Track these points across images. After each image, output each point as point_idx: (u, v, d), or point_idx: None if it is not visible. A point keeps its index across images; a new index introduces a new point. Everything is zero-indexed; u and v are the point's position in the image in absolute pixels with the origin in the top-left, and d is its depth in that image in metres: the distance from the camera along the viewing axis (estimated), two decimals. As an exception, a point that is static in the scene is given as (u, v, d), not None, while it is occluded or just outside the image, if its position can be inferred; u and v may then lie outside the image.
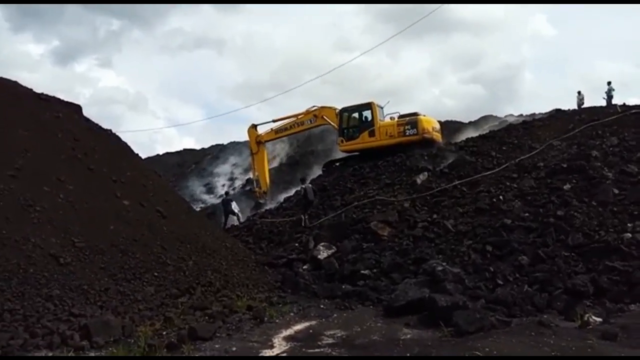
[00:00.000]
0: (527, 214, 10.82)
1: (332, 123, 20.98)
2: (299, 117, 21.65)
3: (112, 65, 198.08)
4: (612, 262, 8.42)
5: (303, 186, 16.04)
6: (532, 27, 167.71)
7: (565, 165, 12.50)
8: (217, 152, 43.43)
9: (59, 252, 7.67)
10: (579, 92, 24.83)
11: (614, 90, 23.46)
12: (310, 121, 21.37)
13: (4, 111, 9.76)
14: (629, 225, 9.58)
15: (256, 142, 22.40)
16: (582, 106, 23.72)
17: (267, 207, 21.40)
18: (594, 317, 6.83)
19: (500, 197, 12.00)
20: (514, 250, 9.51)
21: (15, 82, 11.19)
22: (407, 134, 18.77)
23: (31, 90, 11.30)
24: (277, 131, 22.28)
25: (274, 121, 22.26)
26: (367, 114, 20.07)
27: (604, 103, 22.72)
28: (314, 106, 21.45)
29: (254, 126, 22.56)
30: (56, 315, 6.67)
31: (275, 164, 33.32)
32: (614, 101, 22.81)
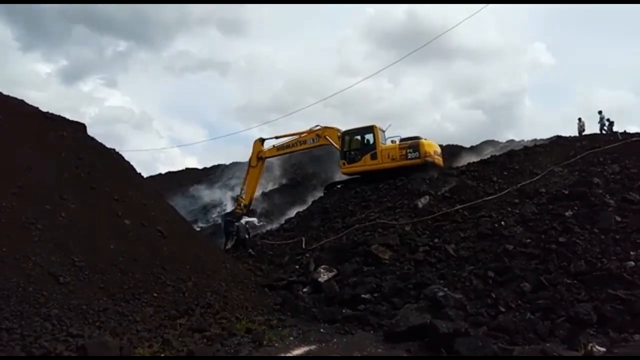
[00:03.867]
0: (529, 240, 10.78)
1: (334, 143, 21.08)
2: (302, 135, 21.79)
3: (118, 85, 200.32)
4: (615, 291, 8.33)
5: (236, 224, 16.98)
6: (531, 56, 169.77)
7: (566, 192, 12.51)
8: (218, 172, 43.57)
9: (59, 271, 7.63)
10: (580, 119, 25.10)
11: (605, 118, 23.93)
12: (313, 140, 21.49)
13: (9, 129, 9.83)
14: (631, 253, 9.52)
15: (257, 157, 22.43)
16: (583, 133, 23.94)
17: (268, 228, 21.39)
18: (597, 347, 6.73)
19: (502, 222, 11.97)
20: (516, 277, 9.43)
21: (21, 101, 11.27)
22: (409, 157, 18.88)
23: (36, 108, 11.38)
24: (279, 148, 22.42)
25: (276, 138, 22.47)
26: (369, 137, 20.22)
27: (598, 130, 23.08)
28: (317, 125, 21.61)
29: (262, 140, 22.64)
30: (54, 335, 6.61)
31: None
32: (607, 128, 23.20)
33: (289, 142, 22.14)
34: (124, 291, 8.21)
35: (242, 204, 22.15)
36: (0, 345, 6.07)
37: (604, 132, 23.51)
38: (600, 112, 24.30)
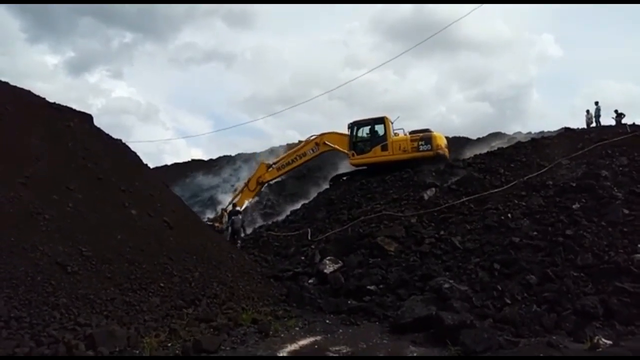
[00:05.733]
0: (535, 233, 10.72)
1: (335, 147, 20.84)
2: (300, 149, 21.49)
3: (124, 77, 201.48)
4: (622, 284, 8.28)
5: (233, 217, 17.28)
6: (539, 48, 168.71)
7: (574, 184, 12.41)
8: (223, 164, 43.70)
9: (66, 261, 7.69)
10: (588, 111, 24.87)
11: (600, 109, 23.85)
12: (313, 150, 21.03)
13: (17, 120, 9.88)
14: (639, 246, 9.45)
15: (257, 181, 21.52)
16: (591, 125, 23.76)
17: (274, 220, 21.37)
18: (603, 340, 6.72)
19: (509, 214, 11.90)
20: (522, 269, 9.39)
21: (29, 92, 11.32)
22: (421, 149, 18.87)
23: (44, 99, 11.43)
24: (279, 168, 21.56)
25: (274, 163, 21.79)
26: (379, 128, 20.11)
27: (607, 123, 22.96)
28: (312, 135, 21.35)
29: (268, 166, 21.75)
30: (62, 324, 6.67)
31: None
32: (615, 120, 23.11)
33: (288, 159, 21.58)
34: (131, 281, 8.27)
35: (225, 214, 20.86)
36: (10, 334, 6.14)
37: (595, 123, 23.55)
38: (596, 103, 24.29)
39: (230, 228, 17.55)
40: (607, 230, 10.17)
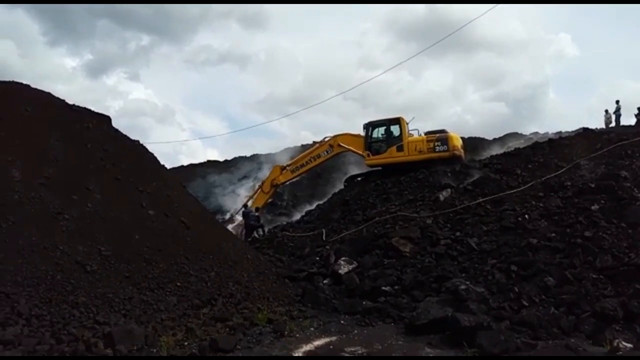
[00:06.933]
0: (553, 234, 10.59)
1: (350, 148, 20.85)
2: (314, 150, 21.56)
3: (141, 79, 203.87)
4: (642, 286, 8.15)
5: (244, 211, 18.73)
6: (556, 47, 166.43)
7: (593, 185, 12.23)
8: (239, 164, 43.90)
9: (86, 260, 7.81)
10: (606, 111, 24.53)
11: (620, 108, 23.55)
12: (327, 152, 21.14)
13: (37, 121, 10.05)
14: (660, 248, 9.28)
15: (272, 184, 21.58)
16: (610, 125, 23.43)
17: (289, 220, 21.44)
18: (623, 343, 6.62)
19: (526, 216, 11.77)
20: (540, 271, 9.28)
21: (48, 94, 11.51)
22: (437, 150, 18.80)
23: (63, 101, 11.61)
24: (293, 170, 21.63)
25: (287, 166, 21.92)
26: (394, 129, 20.08)
27: (627, 122, 22.64)
28: (326, 137, 21.39)
29: (282, 168, 21.85)
30: (81, 322, 6.78)
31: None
32: (637, 118, 22.78)
33: (302, 161, 21.69)
34: (149, 280, 8.36)
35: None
36: (31, 331, 6.26)
37: (613, 123, 23.23)
38: (617, 102, 23.95)
39: (245, 227, 17.94)
40: (627, 231, 10.01)
